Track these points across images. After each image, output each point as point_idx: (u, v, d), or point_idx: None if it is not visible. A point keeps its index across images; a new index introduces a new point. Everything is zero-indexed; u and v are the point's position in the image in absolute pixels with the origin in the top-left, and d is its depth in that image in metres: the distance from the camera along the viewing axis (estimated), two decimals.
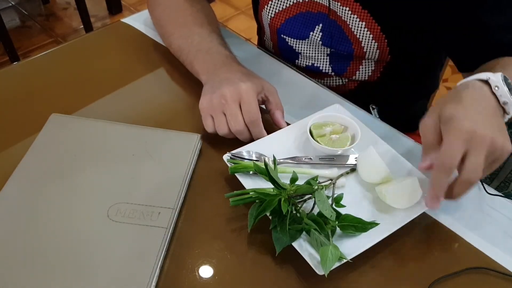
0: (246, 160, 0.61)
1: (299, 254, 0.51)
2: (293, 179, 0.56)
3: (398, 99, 0.91)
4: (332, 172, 0.61)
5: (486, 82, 0.54)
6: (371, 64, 0.81)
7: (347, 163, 0.63)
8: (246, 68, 0.70)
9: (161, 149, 0.63)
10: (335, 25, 0.77)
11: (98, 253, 0.52)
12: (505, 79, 0.54)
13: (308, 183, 0.57)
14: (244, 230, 0.57)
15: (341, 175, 0.60)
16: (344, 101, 0.75)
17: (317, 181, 0.58)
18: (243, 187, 0.58)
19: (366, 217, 0.55)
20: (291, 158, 0.62)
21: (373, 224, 0.54)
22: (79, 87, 0.76)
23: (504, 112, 0.54)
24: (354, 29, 0.75)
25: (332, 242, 0.50)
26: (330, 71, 0.84)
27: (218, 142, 0.67)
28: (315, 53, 0.83)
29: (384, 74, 0.82)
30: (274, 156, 0.59)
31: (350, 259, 0.50)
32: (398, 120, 0.75)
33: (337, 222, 0.53)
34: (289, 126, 0.66)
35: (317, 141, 0.62)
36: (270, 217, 0.54)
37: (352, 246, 0.52)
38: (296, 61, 0.86)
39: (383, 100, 0.81)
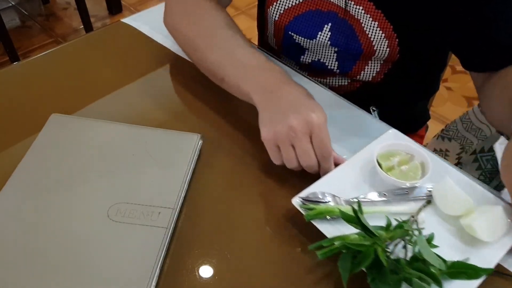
0: (320, 204, 0.56)
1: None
2: (388, 225, 0.52)
3: (399, 101, 0.91)
4: (409, 207, 0.57)
5: None
6: (377, 65, 0.81)
7: (421, 195, 0.59)
8: (302, 86, 0.62)
9: (161, 149, 0.64)
10: (346, 24, 0.77)
11: (98, 253, 0.52)
12: None
13: (400, 226, 0.52)
14: (244, 230, 0.57)
15: (420, 209, 0.57)
16: (344, 101, 0.75)
17: (409, 222, 0.53)
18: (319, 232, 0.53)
19: (455, 254, 0.52)
20: (364, 197, 0.58)
21: (487, 270, 0.49)
22: (79, 87, 0.76)
23: None
24: (366, 28, 0.75)
25: None
26: (335, 68, 0.84)
27: (218, 142, 0.67)
28: (322, 52, 0.83)
29: (388, 75, 0.82)
30: (359, 201, 0.54)
31: None
32: (398, 121, 0.75)
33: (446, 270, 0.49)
34: (351, 159, 0.62)
35: (388, 175, 0.59)
36: (365, 269, 0.49)
37: None
38: (302, 57, 0.86)
39: (384, 102, 0.81)
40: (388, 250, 0.50)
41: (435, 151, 1.07)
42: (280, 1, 0.81)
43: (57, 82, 0.77)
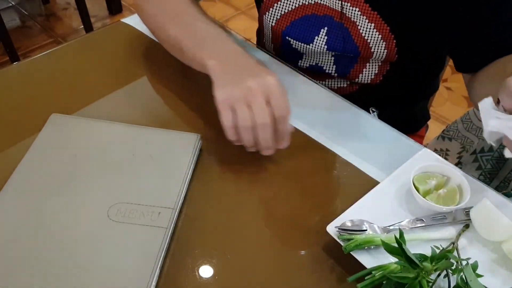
0: (357, 233, 0.53)
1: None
2: (434, 257, 0.49)
3: (398, 102, 0.91)
4: (449, 232, 0.55)
5: None
6: (375, 67, 0.81)
7: (459, 219, 0.57)
8: (258, 58, 0.62)
9: (161, 149, 0.63)
10: (342, 28, 0.77)
11: (98, 253, 0.52)
12: None
13: (445, 256, 0.50)
14: (244, 230, 0.57)
15: (459, 235, 0.54)
16: (344, 101, 0.75)
17: (453, 251, 0.51)
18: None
19: (498, 282, 0.50)
20: (401, 223, 0.56)
21: None
22: (79, 87, 0.76)
23: None
24: (363, 30, 0.75)
25: None
26: (333, 72, 0.84)
27: (218, 142, 0.67)
28: (319, 56, 0.83)
29: (387, 77, 0.82)
30: (400, 230, 0.50)
31: None
32: (398, 121, 0.75)
33: None
34: (384, 182, 0.60)
35: (426, 199, 0.56)
36: None
37: None
38: (300, 61, 0.86)
39: (384, 103, 0.81)
40: (431, 280, 0.48)
41: (435, 151, 1.07)
42: (276, 7, 0.81)
43: (57, 82, 0.77)
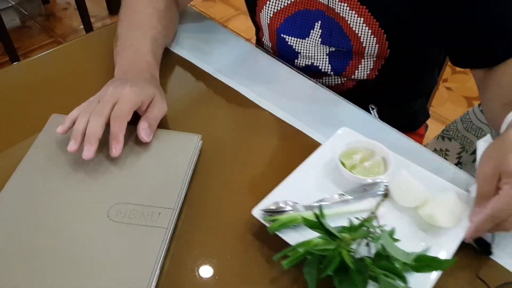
0: (282, 214, 0.55)
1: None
2: (352, 227, 0.51)
3: (396, 98, 0.91)
4: (369, 203, 0.58)
5: None
6: (370, 62, 0.81)
7: (379, 190, 0.59)
8: (155, 79, 0.69)
9: (161, 149, 0.63)
10: (333, 22, 0.77)
11: (98, 253, 0.52)
12: None
13: (362, 225, 0.52)
14: (244, 230, 0.57)
15: (379, 205, 0.58)
16: (343, 100, 0.75)
17: (372, 221, 0.54)
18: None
19: (415, 245, 0.53)
20: (323, 200, 0.58)
21: (450, 261, 0.50)
22: (79, 87, 0.76)
23: None
24: (353, 25, 0.75)
25: (408, 286, 0.48)
26: (329, 70, 0.84)
27: (218, 142, 0.67)
28: (314, 53, 0.83)
29: (383, 71, 0.82)
30: (320, 206, 0.54)
31: None
32: (397, 120, 0.75)
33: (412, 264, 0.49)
34: (305, 162, 0.62)
35: (353, 173, 0.59)
36: (331, 273, 0.48)
37: (421, 280, 0.49)
38: (296, 60, 0.86)
39: (382, 99, 0.81)
40: (352, 250, 0.50)
41: (435, 151, 1.07)
42: (269, 4, 0.81)
43: (57, 82, 0.77)
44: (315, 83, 0.78)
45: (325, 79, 0.87)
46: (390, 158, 0.60)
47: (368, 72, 0.83)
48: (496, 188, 0.53)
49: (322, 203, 0.57)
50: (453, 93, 2.05)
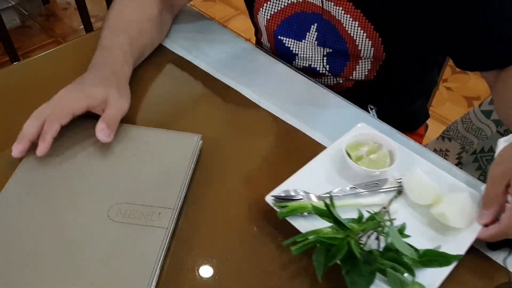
0: (292, 202, 0.56)
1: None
2: (360, 218, 0.53)
3: (396, 98, 0.91)
4: (381, 198, 0.58)
5: None
6: (368, 64, 0.81)
7: (392, 186, 0.60)
8: (116, 76, 0.68)
9: (161, 149, 0.63)
10: (329, 25, 0.77)
11: (98, 253, 0.52)
12: None
13: (372, 218, 0.53)
14: (244, 230, 0.57)
15: (391, 200, 0.58)
16: (342, 100, 0.75)
17: (381, 214, 0.54)
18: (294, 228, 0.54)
19: (426, 243, 0.53)
20: (335, 191, 0.59)
21: (457, 257, 0.50)
22: None
23: None
24: (348, 28, 0.75)
25: (415, 281, 0.48)
26: (327, 71, 0.84)
27: (218, 143, 0.67)
28: (311, 54, 0.83)
29: (381, 73, 0.82)
30: (330, 196, 0.55)
31: None
32: (397, 120, 0.75)
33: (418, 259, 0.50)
34: (320, 155, 0.63)
35: (358, 164, 0.60)
36: (339, 262, 0.49)
37: (430, 277, 0.50)
38: (293, 62, 0.86)
39: (381, 99, 0.81)
40: (361, 242, 0.51)
41: (435, 151, 1.07)
42: (266, 7, 0.81)
43: (57, 82, 0.77)
44: (315, 82, 0.78)
45: (324, 79, 0.87)
46: (396, 152, 0.60)
47: (366, 73, 0.83)
48: (505, 192, 0.52)
49: (333, 194, 0.58)
50: (453, 93, 2.05)
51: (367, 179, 0.60)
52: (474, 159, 1.01)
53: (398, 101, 0.93)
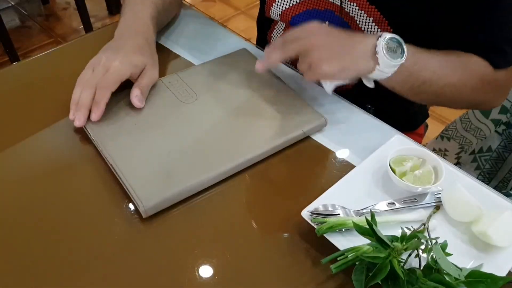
0: (330, 217, 0.54)
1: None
2: (404, 236, 0.50)
3: (396, 98, 0.91)
4: (419, 214, 0.56)
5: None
6: None
7: (430, 201, 0.58)
8: (149, 44, 0.72)
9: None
10: (342, 22, 0.77)
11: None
12: (394, 39, 0.62)
13: (415, 236, 0.50)
14: (244, 230, 0.57)
15: (430, 216, 0.56)
16: (342, 100, 0.75)
17: (424, 232, 0.53)
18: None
19: (467, 261, 0.52)
20: (373, 207, 0.57)
21: (505, 279, 0.47)
22: None
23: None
24: (362, 25, 0.75)
25: None
26: None
27: None
28: None
29: None
30: (372, 212, 0.52)
31: None
32: (397, 119, 0.75)
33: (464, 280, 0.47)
34: (357, 168, 0.61)
35: (403, 180, 0.58)
36: (380, 282, 0.47)
37: None
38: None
39: (381, 98, 0.81)
40: (402, 259, 0.49)
41: (434, 150, 1.07)
42: (278, 2, 0.81)
43: (57, 82, 0.77)
44: (315, 82, 0.78)
45: None
46: (441, 168, 0.58)
47: None
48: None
49: (372, 209, 0.56)
50: None
51: (406, 194, 0.58)
52: (473, 159, 1.01)
53: (398, 101, 0.92)
